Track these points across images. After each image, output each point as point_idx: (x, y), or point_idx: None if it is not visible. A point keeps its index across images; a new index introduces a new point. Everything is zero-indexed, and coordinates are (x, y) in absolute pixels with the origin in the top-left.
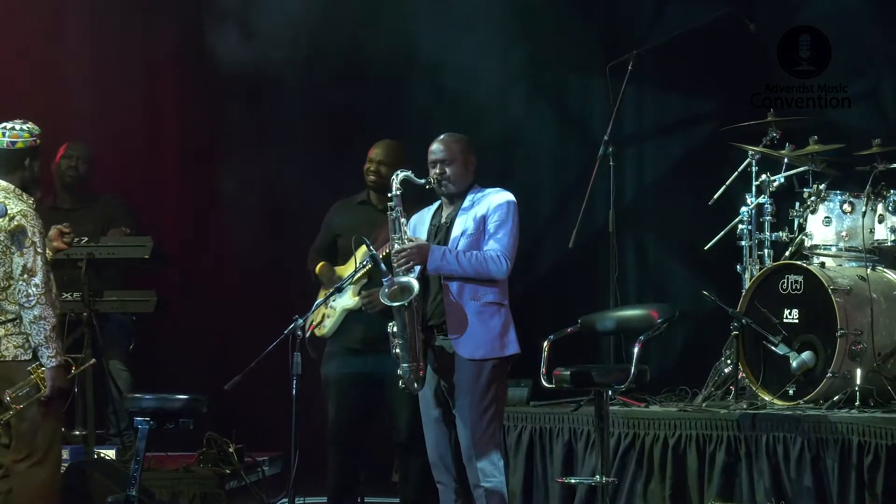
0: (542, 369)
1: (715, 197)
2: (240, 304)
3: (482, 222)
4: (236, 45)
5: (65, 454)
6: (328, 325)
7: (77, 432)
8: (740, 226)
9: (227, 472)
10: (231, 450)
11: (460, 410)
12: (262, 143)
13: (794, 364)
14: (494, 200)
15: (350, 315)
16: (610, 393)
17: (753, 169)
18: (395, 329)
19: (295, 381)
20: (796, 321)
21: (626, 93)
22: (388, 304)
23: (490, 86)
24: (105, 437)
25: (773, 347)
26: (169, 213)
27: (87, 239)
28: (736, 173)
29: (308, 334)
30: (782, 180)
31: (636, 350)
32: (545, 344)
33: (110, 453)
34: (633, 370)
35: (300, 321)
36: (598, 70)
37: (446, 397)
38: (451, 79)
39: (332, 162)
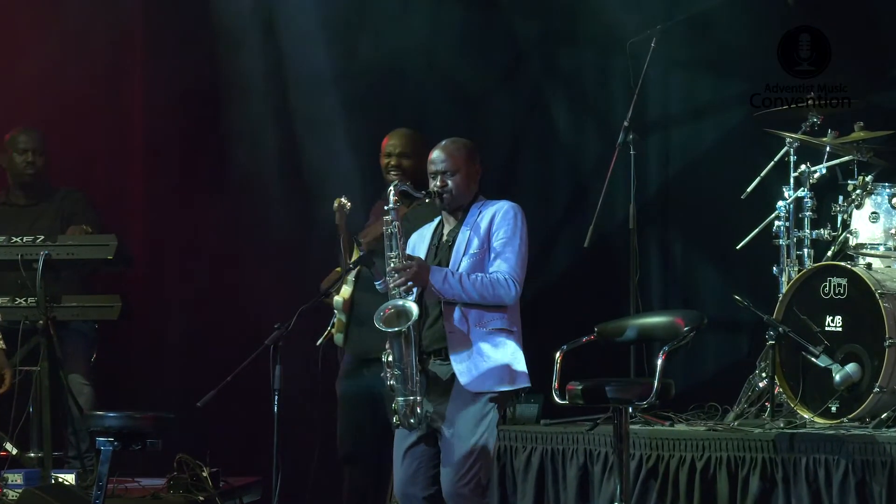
0: (554, 383)
1: (748, 190)
2: (215, 312)
3: (487, 239)
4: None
5: (18, 479)
6: (338, 335)
7: (32, 454)
8: (777, 222)
9: (201, 498)
10: (205, 474)
11: (445, 441)
12: (241, 130)
13: (837, 378)
14: (498, 213)
15: (354, 322)
16: (630, 410)
17: (792, 158)
18: (390, 358)
19: (276, 397)
20: (840, 329)
21: (649, 73)
22: (384, 329)
23: (495, 65)
24: (63, 460)
25: (813, 359)
26: (135, 208)
27: (43, 238)
28: (772, 163)
29: (321, 341)
30: (824, 171)
31: (660, 362)
32: (557, 355)
33: (69, 478)
34: (656, 384)
35: (283, 330)
36: (618, 48)
37: (431, 428)
38: (449, 58)
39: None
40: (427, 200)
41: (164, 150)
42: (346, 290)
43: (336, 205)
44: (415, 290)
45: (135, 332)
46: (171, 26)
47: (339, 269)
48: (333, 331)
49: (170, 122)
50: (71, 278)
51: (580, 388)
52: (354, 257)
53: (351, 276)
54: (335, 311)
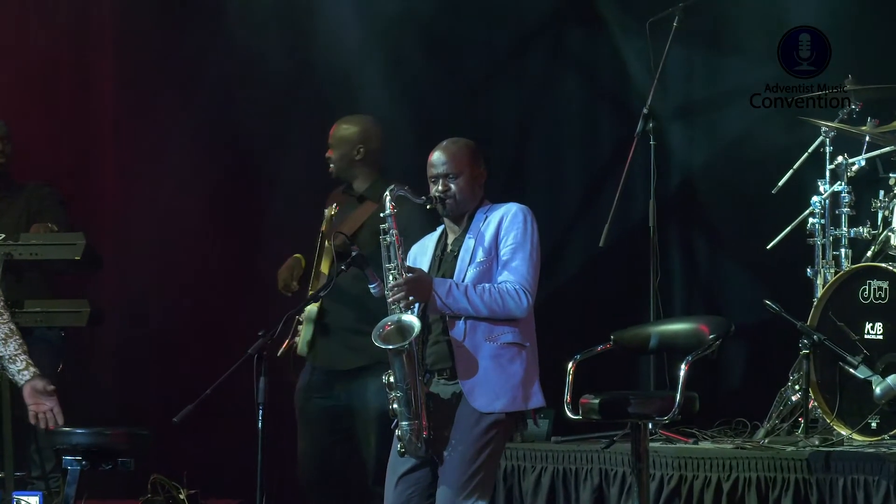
0: (567, 397)
1: (780, 184)
2: (193, 318)
3: (494, 246)
4: None
5: None
6: (300, 340)
7: None
8: (811, 219)
9: None
10: (182, 496)
11: (445, 465)
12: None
13: (877, 390)
14: (506, 217)
15: (321, 332)
16: (650, 426)
17: (827, 149)
18: (391, 379)
19: (261, 412)
20: (880, 337)
21: (670, 55)
22: (383, 347)
23: (500, 47)
24: (26, 481)
25: (851, 370)
26: (106, 205)
27: (3, 236)
28: (806, 154)
29: (281, 352)
30: (863, 163)
31: (682, 373)
32: (570, 366)
33: (33, 501)
34: (678, 398)
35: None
36: (636, 27)
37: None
38: (447, 38)
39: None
40: (428, 207)
41: (138, 135)
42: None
43: (329, 213)
44: (417, 305)
45: (104, 339)
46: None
47: (297, 255)
48: (297, 339)
49: (143, 103)
50: (35, 281)
51: (595, 401)
52: (324, 267)
53: (321, 283)
54: (301, 319)
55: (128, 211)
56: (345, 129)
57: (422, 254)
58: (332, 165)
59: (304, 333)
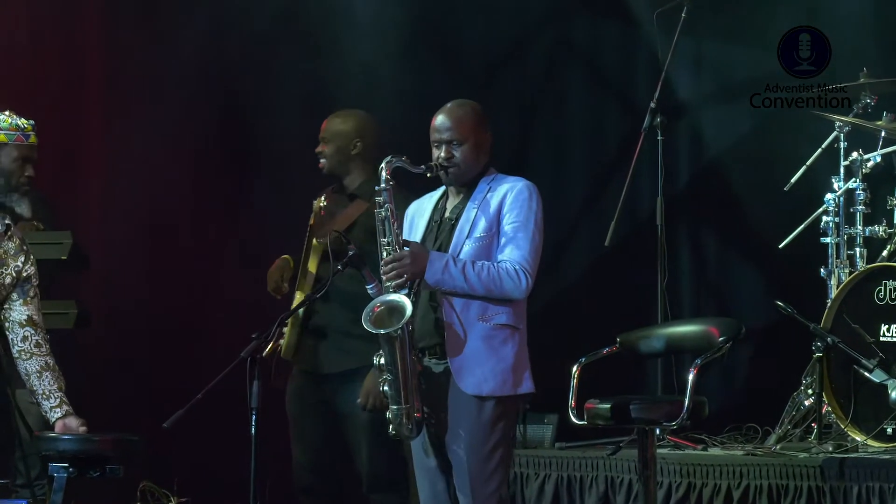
0: (571, 401)
1: (792, 181)
2: (184, 319)
3: (496, 221)
4: None
5: None
6: (284, 344)
7: None
8: (825, 217)
9: None
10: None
11: (455, 456)
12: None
13: (893, 395)
14: (511, 193)
15: (307, 333)
16: (658, 432)
17: (842, 144)
18: (381, 361)
19: (254, 417)
20: None
21: (679, 47)
22: (373, 331)
23: (502, 38)
24: (11, 489)
25: (866, 374)
26: (93, 202)
27: None
28: (819, 150)
29: (266, 353)
30: (878, 159)
31: (691, 377)
32: (574, 369)
33: None
34: (687, 403)
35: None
36: (644, 17)
37: (437, 439)
38: (449, 29)
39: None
40: (428, 175)
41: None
42: (300, 298)
43: (317, 204)
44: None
45: (91, 342)
46: None
47: (286, 256)
48: (282, 342)
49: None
50: None
51: (601, 406)
52: (312, 265)
53: (309, 283)
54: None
55: (115, 209)
56: (341, 123)
57: (419, 215)
58: (322, 161)
59: (288, 336)
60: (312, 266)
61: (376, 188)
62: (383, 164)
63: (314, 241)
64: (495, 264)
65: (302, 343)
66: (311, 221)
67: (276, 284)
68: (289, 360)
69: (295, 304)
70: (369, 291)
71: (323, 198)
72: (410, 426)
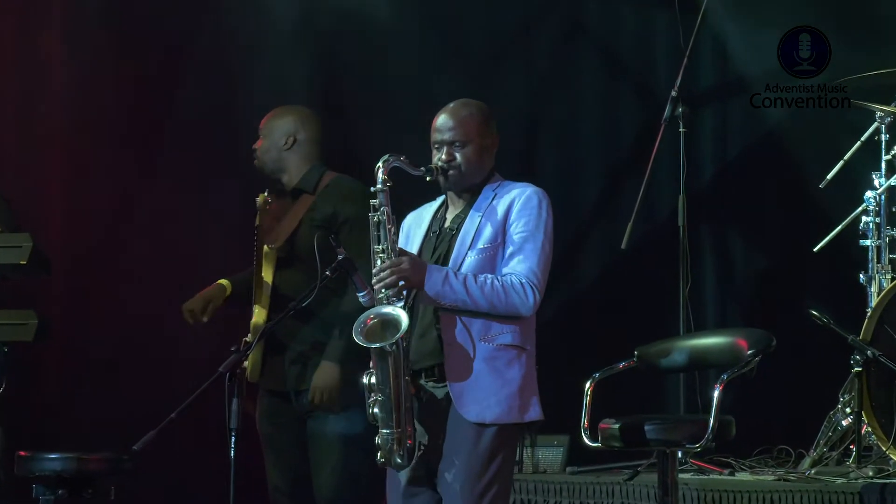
0: (584, 421)
1: (829, 177)
2: (156, 329)
3: (502, 230)
4: None
5: None
6: (248, 364)
7: None
8: (864, 218)
9: None
10: None
11: (446, 487)
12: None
13: None
14: (518, 200)
15: (271, 352)
16: (680, 455)
17: (883, 137)
18: (372, 380)
19: (233, 438)
20: None
21: (703, 30)
22: (365, 345)
23: (507, 23)
24: None
25: None
26: (55, 202)
27: None
28: (858, 143)
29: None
30: None
31: (717, 394)
32: (588, 386)
33: None
34: (711, 423)
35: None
36: None
37: (428, 468)
38: (450, 12)
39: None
40: (428, 179)
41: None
42: (260, 313)
43: (261, 200)
44: (406, 294)
45: (53, 355)
46: None
47: (223, 281)
48: (246, 364)
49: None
50: None
51: (616, 426)
52: (266, 274)
53: (266, 294)
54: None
55: (78, 211)
56: (277, 118)
57: (417, 226)
58: (255, 158)
59: (252, 356)
60: (268, 276)
61: (371, 189)
62: (380, 164)
63: (265, 247)
64: (500, 277)
65: (266, 362)
66: (257, 221)
67: (195, 316)
68: (255, 381)
69: (256, 318)
70: (360, 300)
71: (265, 192)
72: (402, 453)
